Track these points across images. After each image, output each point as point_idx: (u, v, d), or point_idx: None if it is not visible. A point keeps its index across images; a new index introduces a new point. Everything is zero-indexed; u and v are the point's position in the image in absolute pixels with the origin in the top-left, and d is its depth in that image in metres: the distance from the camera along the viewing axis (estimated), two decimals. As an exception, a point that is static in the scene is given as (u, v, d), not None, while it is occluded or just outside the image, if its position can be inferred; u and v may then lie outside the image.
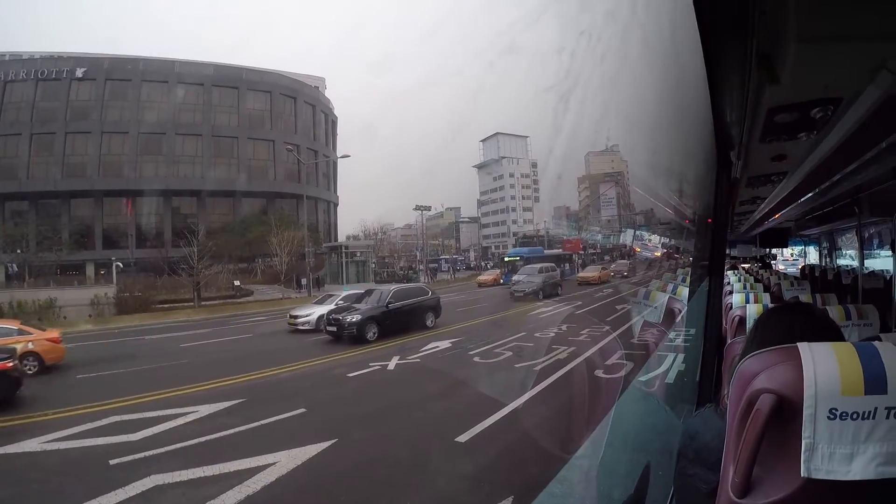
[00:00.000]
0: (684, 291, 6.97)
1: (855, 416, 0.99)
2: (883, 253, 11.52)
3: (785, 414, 1.03)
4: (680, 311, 6.84)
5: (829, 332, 1.48)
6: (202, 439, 9.28)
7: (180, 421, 10.38)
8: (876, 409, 0.98)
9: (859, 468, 0.98)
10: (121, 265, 39.39)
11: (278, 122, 56.23)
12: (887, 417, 0.98)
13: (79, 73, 48.20)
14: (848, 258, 14.52)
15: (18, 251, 38.98)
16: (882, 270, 10.81)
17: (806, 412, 1.01)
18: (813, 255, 19.43)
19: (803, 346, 1.05)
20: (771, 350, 1.10)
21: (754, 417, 1.05)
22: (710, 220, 4.70)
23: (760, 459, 1.07)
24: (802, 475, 1.01)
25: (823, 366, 1.01)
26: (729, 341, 3.20)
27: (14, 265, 34.57)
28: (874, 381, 0.98)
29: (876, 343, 1.05)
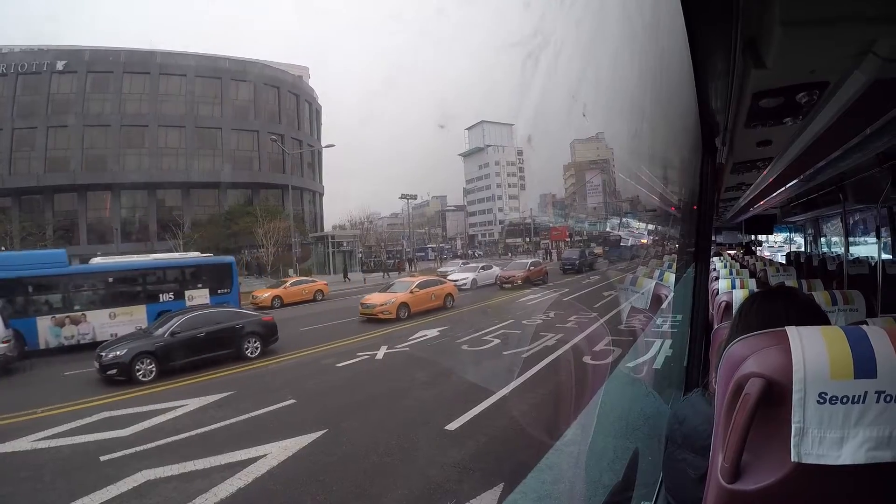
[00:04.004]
0: (670, 278, 7.01)
1: (845, 400, 0.98)
2: (868, 240, 11.64)
3: (774, 398, 1.02)
4: (667, 298, 6.87)
5: (816, 317, 1.48)
6: (192, 433, 9.30)
7: (170, 415, 10.38)
8: (866, 393, 0.97)
9: (849, 453, 0.98)
10: (106, 260, 38.71)
11: (262, 112, 55.53)
12: (877, 401, 0.97)
13: (59, 65, 47.24)
14: (833, 245, 14.64)
15: (2, 248, 38.51)
16: (867, 257, 10.91)
17: (795, 396, 1.00)
18: (798, 242, 19.56)
19: (791, 330, 1.04)
20: (759, 334, 1.08)
21: (743, 402, 1.04)
22: (695, 207, 4.70)
23: (750, 444, 1.05)
24: (792, 460, 1.00)
25: (812, 349, 1.00)
26: (716, 327, 3.21)
27: (-2, 263, 34.12)
28: (863, 365, 0.97)
29: (864, 327, 1.04)
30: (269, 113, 56.41)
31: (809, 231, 16.06)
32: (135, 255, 25.13)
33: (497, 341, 15.55)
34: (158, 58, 50.91)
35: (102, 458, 8.32)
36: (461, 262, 49.36)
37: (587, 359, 12.34)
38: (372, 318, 21.30)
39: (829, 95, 2.27)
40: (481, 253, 76.71)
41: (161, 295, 22.39)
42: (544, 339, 14.79)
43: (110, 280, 21.29)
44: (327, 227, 61.07)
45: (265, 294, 29.70)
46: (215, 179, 50.09)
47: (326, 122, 66.21)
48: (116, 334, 18.34)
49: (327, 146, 55.67)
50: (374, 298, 22.71)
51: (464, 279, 31.46)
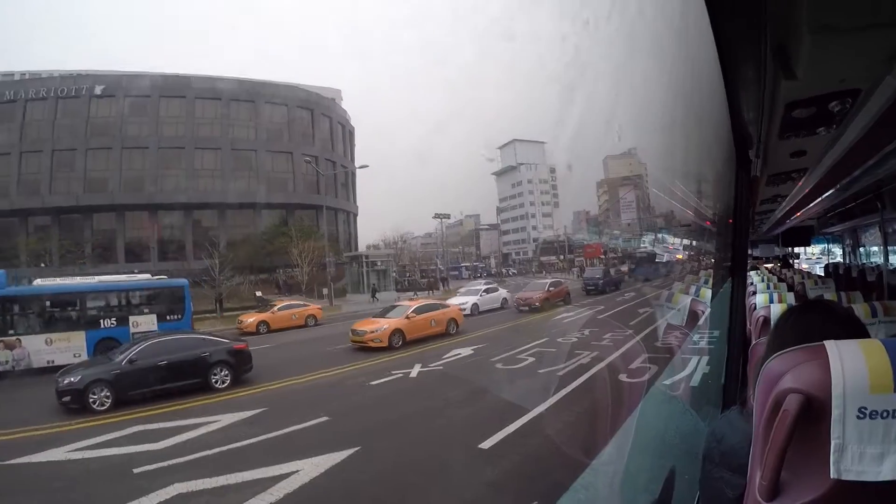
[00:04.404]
0: (707, 293, 6.90)
1: (885, 414, 0.95)
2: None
3: (813, 414, 0.99)
4: (703, 314, 6.77)
5: (854, 330, 1.43)
6: (225, 448, 9.38)
7: (203, 430, 10.50)
8: None
9: (890, 468, 0.94)
10: (143, 278, 39.59)
11: (296, 134, 56.23)
12: None
13: (98, 90, 48.61)
14: (873, 255, 14.29)
15: (42, 265, 39.50)
16: None
17: (834, 412, 0.97)
18: (837, 253, 19.14)
19: (830, 344, 1.02)
20: (796, 349, 1.06)
21: (781, 418, 1.02)
22: (730, 220, 4.64)
23: (788, 462, 1.03)
24: (832, 476, 0.97)
25: (851, 364, 0.98)
26: (754, 342, 3.14)
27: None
28: None
29: None
30: (303, 135, 57.15)
31: (848, 241, 15.73)
32: (79, 278, 23.70)
33: (532, 359, 15.45)
34: (193, 82, 52.05)
35: (135, 471, 8.45)
36: (483, 282, 44.22)
37: (623, 377, 12.16)
38: (366, 347, 19.17)
39: (862, 103, 2.24)
40: (515, 271, 76.42)
41: (102, 321, 21.03)
42: (580, 357, 14.66)
43: (47, 303, 20.24)
44: (361, 247, 61.34)
45: (250, 319, 27.56)
46: (251, 200, 50.79)
47: (360, 144, 66.85)
48: (53, 361, 18.16)
49: (361, 167, 56.12)
50: (365, 325, 20.42)
51: (463, 304, 27.29)
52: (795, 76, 1.90)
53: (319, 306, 31.12)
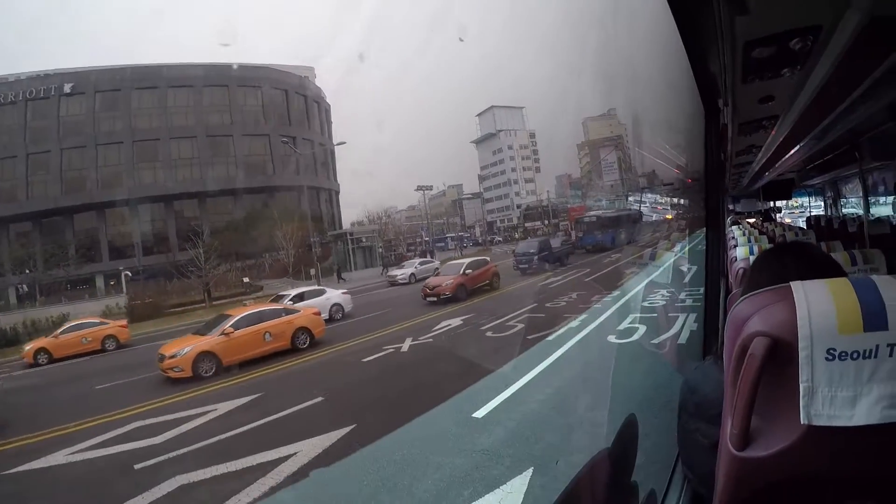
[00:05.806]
0: (685, 251, 6.92)
1: (855, 355, 0.93)
2: (891, 199, 11.42)
3: (780, 358, 0.97)
4: (689, 272, 6.79)
5: (828, 270, 1.40)
6: (223, 436, 9.46)
7: (200, 420, 10.57)
8: (877, 346, 0.92)
9: (863, 412, 0.92)
10: (129, 274, 39.56)
11: (272, 116, 55.68)
12: (890, 355, 0.92)
13: (67, 88, 47.77)
14: (854, 206, 14.42)
15: (27, 271, 39.22)
16: (889, 216, 10.72)
17: (802, 354, 0.95)
18: (819, 206, 19.28)
19: (796, 285, 0.99)
20: (763, 291, 1.04)
21: (748, 363, 0.99)
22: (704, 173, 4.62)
23: (759, 409, 1.01)
24: (802, 422, 0.95)
25: (818, 303, 0.95)
26: (733, 292, 3.14)
27: (24, 286, 34.35)
28: (873, 317, 0.92)
29: (874, 277, 0.99)
30: (279, 116, 56.59)
31: (829, 193, 15.83)
32: None
33: (521, 326, 15.58)
34: (165, 71, 51.25)
35: (137, 467, 8.52)
36: (417, 260, 39.17)
37: (612, 338, 12.25)
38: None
39: (825, 41, 2.19)
40: (500, 239, 76.26)
41: None
42: (568, 321, 14.75)
43: None
44: (346, 225, 61.13)
45: (28, 346, 22.35)
46: (230, 186, 50.46)
47: (337, 121, 66.24)
48: None
49: (339, 144, 55.77)
50: (172, 347, 15.67)
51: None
52: (748, 10, 1.84)
53: (124, 323, 25.13)
